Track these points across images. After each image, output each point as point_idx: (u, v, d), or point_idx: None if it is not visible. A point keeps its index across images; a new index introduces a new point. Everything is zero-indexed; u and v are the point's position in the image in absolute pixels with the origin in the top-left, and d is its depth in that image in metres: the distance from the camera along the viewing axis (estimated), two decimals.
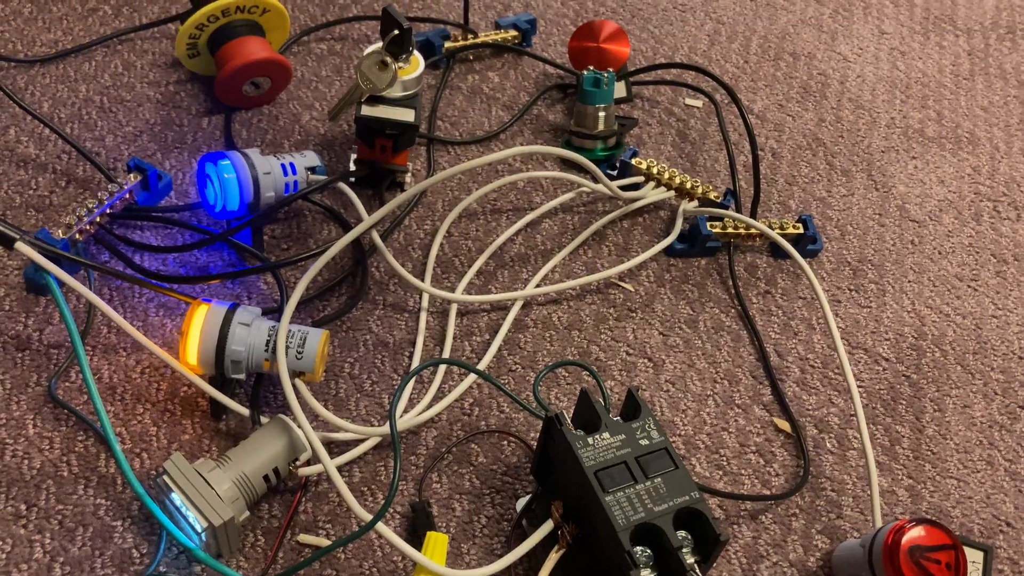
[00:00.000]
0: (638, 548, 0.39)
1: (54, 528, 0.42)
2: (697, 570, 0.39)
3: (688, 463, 0.50)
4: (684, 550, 0.39)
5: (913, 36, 0.82)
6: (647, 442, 0.42)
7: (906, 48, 0.81)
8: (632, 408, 0.43)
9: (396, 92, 0.57)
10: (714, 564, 0.44)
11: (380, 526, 0.40)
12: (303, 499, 0.45)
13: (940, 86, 0.78)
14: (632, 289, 0.58)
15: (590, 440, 0.41)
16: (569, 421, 0.42)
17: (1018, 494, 0.51)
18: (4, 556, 0.41)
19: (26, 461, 0.45)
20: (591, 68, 0.63)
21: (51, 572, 0.41)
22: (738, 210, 0.62)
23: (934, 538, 0.42)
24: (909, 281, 0.62)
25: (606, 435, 0.42)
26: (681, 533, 0.40)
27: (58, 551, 0.42)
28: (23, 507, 0.43)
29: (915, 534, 0.42)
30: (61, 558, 0.42)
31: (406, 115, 0.56)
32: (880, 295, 0.60)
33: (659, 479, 0.40)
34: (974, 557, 0.44)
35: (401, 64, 0.55)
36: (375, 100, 0.56)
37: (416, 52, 0.57)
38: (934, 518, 0.48)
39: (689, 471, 0.49)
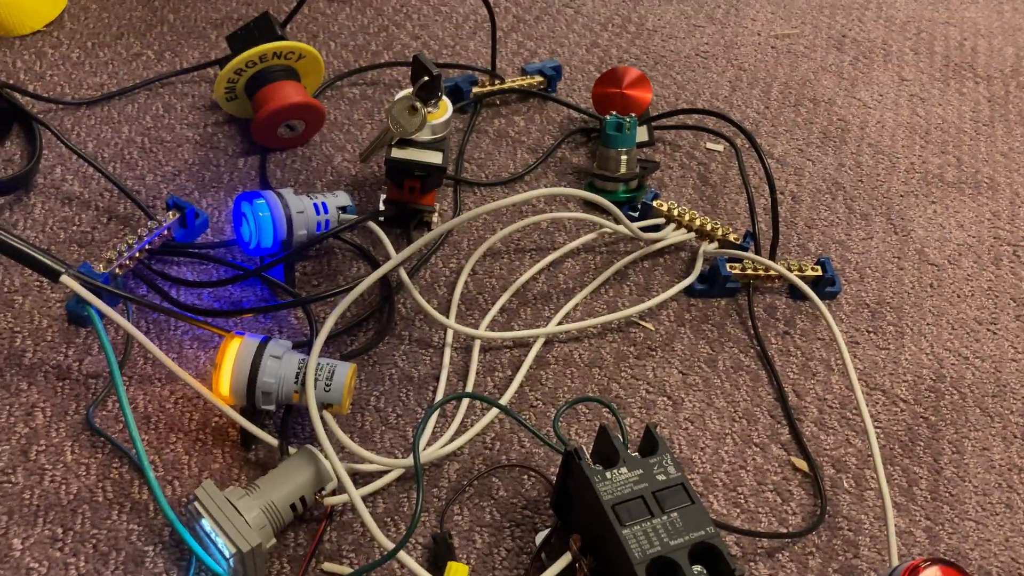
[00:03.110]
0: None
1: (88, 551, 0.44)
2: None
3: (706, 500, 0.50)
4: None
5: (933, 83, 0.84)
6: (664, 477, 0.43)
7: (926, 94, 0.82)
8: (650, 444, 0.44)
9: (425, 136, 0.59)
10: None
11: (402, 555, 0.41)
12: (328, 528, 0.46)
13: (960, 132, 0.79)
14: (652, 328, 0.59)
15: (608, 475, 0.42)
16: (588, 456, 0.44)
17: None
18: None
19: (63, 486, 0.46)
20: (614, 113, 0.65)
21: None
22: (758, 252, 0.64)
23: None
24: (928, 324, 0.62)
25: (624, 470, 0.43)
26: (697, 568, 0.40)
27: (92, 574, 0.43)
28: (59, 531, 0.45)
29: (930, 574, 0.42)
30: None
31: (434, 157, 0.58)
32: (899, 337, 0.61)
33: (675, 514, 0.41)
34: None
35: (430, 109, 0.57)
36: (405, 143, 0.58)
37: (445, 97, 0.59)
38: (952, 560, 0.48)
39: (706, 507, 0.50)
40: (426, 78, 0.56)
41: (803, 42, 0.86)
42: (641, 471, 0.43)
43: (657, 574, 0.40)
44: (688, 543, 0.40)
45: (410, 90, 0.57)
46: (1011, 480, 0.54)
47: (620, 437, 0.45)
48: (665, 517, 0.41)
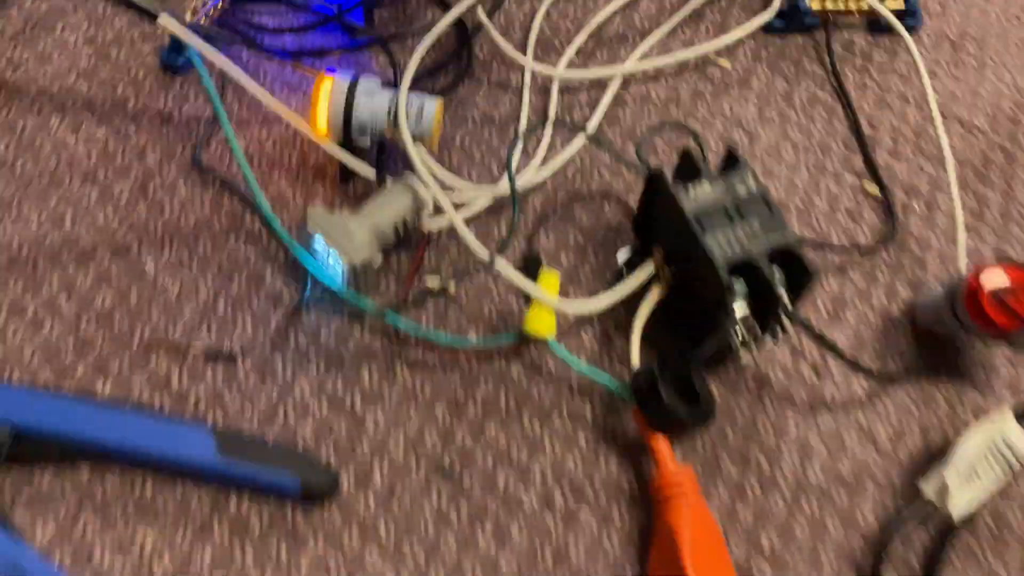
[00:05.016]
0: (734, 281, 0.43)
1: (214, 272, 0.48)
2: (787, 300, 0.42)
3: None
4: (777, 282, 0.43)
5: None
6: (744, 190, 0.45)
7: None
8: (731, 164, 0.46)
9: None
10: (804, 302, 0.47)
11: (499, 261, 0.44)
12: (427, 250, 0.50)
13: None
14: (729, 66, 0.59)
15: (690, 190, 0.45)
16: (670, 178, 0.46)
17: None
18: (175, 293, 0.48)
19: (182, 217, 0.50)
20: None
21: (216, 305, 0.47)
22: None
23: (1017, 278, 0.44)
24: (1011, 55, 0.61)
25: (706, 185, 0.45)
26: (776, 270, 0.43)
27: (220, 290, 0.48)
28: (185, 255, 0.49)
29: (993, 271, 0.44)
30: (223, 296, 0.48)
31: None
32: (980, 69, 0.60)
33: (756, 222, 0.44)
34: None
35: None
36: None
37: None
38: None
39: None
40: None
41: None
42: (723, 186, 0.45)
43: (739, 274, 0.43)
44: (768, 246, 0.43)
45: None
46: None
47: (702, 156, 0.47)
48: (746, 225, 0.44)
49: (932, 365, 0.48)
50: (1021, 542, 0.44)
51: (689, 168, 0.46)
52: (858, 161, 0.56)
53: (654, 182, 0.46)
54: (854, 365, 0.46)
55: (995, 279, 0.44)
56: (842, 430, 0.46)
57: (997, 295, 0.44)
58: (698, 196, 0.44)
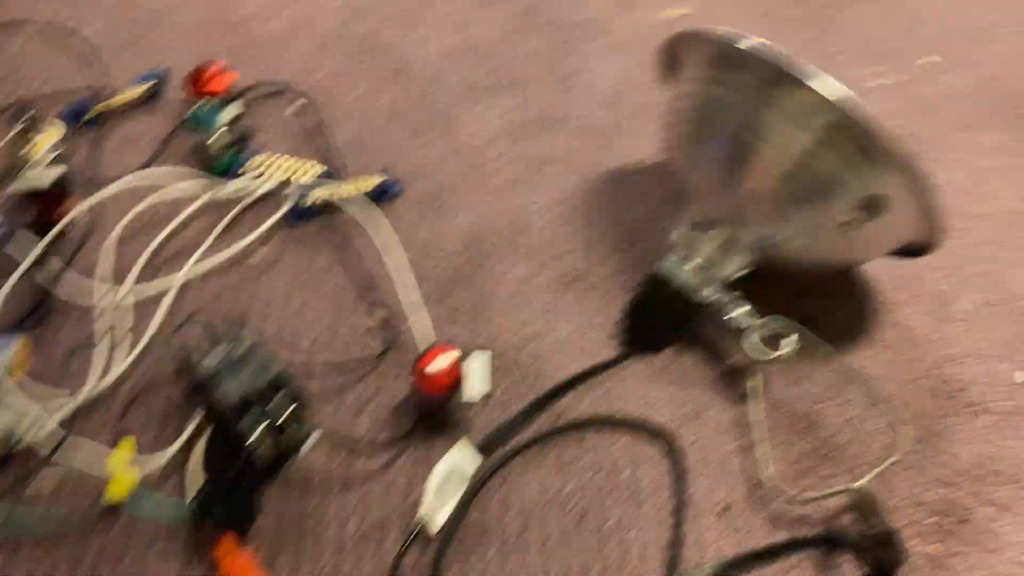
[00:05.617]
0: (245, 417, 0.60)
1: None
2: (296, 417, 0.60)
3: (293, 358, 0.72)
4: (278, 408, 0.61)
5: (477, 7, 1.07)
6: (242, 348, 0.63)
7: (470, 18, 1.05)
8: (237, 330, 0.64)
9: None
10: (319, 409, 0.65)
11: (64, 453, 0.60)
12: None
13: (496, 43, 1.02)
14: (264, 255, 0.79)
15: (209, 357, 0.62)
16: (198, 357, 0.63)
17: None
18: None
19: None
20: (203, 100, 0.84)
21: None
22: (341, 178, 0.84)
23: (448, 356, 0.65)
24: (476, 195, 0.86)
25: (218, 351, 0.63)
26: (277, 397, 0.61)
27: None
28: None
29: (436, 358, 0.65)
30: None
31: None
32: (450, 211, 0.84)
33: (253, 366, 0.62)
34: None
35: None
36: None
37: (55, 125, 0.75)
38: None
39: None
40: None
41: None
42: (228, 347, 0.63)
43: (246, 410, 0.60)
44: (265, 381, 0.61)
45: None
46: None
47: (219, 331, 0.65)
48: (248, 371, 0.62)
49: (430, 428, 0.68)
50: (501, 538, 0.63)
51: (214, 340, 0.64)
52: (368, 298, 0.76)
53: (181, 360, 0.63)
54: (372, 446, 0.65)
55: (435, 363, 0.65)
56: (368, 495, 0.64)
57: (431, 366, 0.64)
58: (210, 361, 0.62)
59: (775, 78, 0.64)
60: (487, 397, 0.67)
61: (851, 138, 0.63)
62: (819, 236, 0.67)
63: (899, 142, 0.62)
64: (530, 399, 0.70)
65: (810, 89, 0.62)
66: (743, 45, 0.66)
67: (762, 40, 0.65)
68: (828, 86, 0.62)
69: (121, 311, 0.73)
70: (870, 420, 0.71)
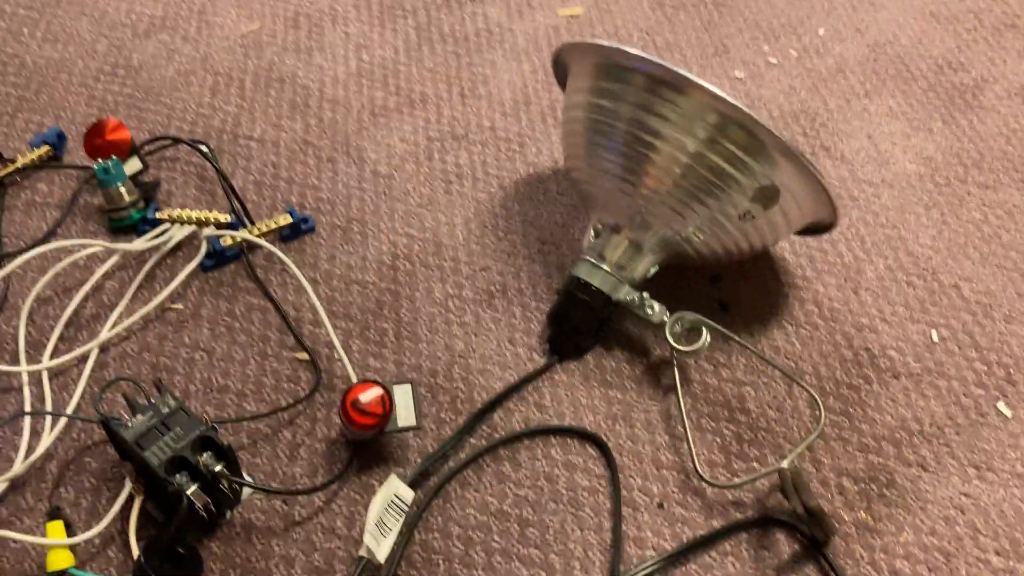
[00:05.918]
0: (176, 476, 0.60)
1: None
2: (227, 471, 0.60)
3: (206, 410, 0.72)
4: (208, 465, 0.60)
5: (372, 29, 1.07)
6: (167, 408, 0.63)
7: (368, 41, 1.05)
8: (161, 391, 0.64)
9: None
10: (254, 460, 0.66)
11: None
12: None
13: (396, 63, 1.02)
14: (183, 307, 0.78)
15: (131, 424, 0.62)
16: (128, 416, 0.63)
17: None
18: None
19: None
20: (99, 160, 0.82)
21: None
22: (250, 222, 0.84)
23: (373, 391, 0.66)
24: (383, 222, 0.86)
25: (139, 416, 0.62)
26: (206, 455, 0.61)
27: None
28: None
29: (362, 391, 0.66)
30: None
31: None
32: (364, 239, 0.84)
33: (178, 427, 0.62)
34: None
35: None
36: None
37: None
38: None
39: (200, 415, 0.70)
40: None
41: (265, 32, 1.06)
42: (152, 410, 0.63)
43: (177, 470, 0.60)
44: (190, 441, 0.61)
45: None
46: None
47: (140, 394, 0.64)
48: (172, 432, 0.61)
49: (366, 462, 0.68)
50: (446, 559, 0.64)
51: (135, 406, 0.64)
52: (290, 339, 0.76)
53: (106, 427, 0.63)
54: (309, 488, 0.65)
55: (359, 399, 0.65)
56: (311, 534, 0.64)
57: (356, 404, 0.65)
58: (136, 426, 0.62)
59: (654, 87, 0.66)
60: (416, 428, 0.67)
61: (732, 136, 0.65)
62: (722, 229, 0.69)
63: (776, 133, 0.64)
64: (462, 420, 0.71)
65: (687, 95, 0.64)
66: (620, 59, 0.68)
67: (638, 51, 0.66)
68: (704, 90, 0.64)
69: (41, 384, 0.72)
70: (791, 398, 0.73)
